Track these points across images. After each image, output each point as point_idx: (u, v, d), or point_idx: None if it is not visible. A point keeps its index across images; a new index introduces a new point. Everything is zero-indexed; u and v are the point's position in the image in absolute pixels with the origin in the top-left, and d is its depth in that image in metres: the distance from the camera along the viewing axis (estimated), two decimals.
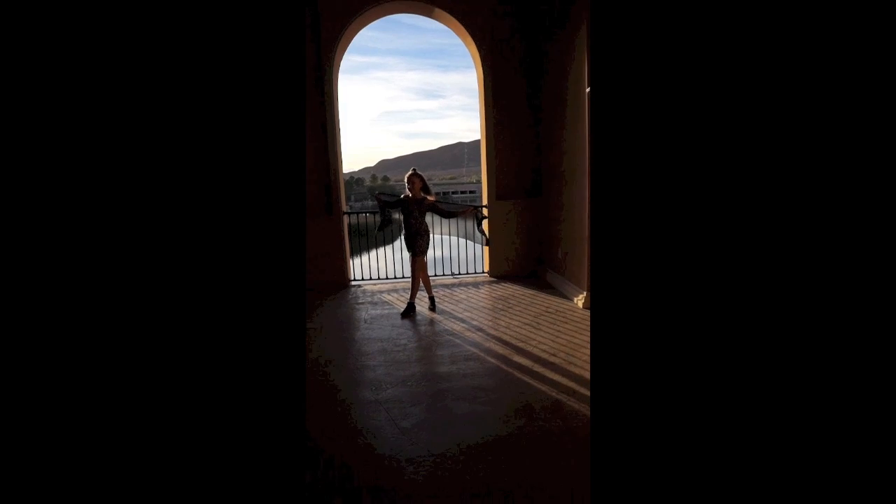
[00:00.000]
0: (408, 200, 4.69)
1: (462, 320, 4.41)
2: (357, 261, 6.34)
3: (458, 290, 5.55)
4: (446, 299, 5.15)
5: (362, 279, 6.20)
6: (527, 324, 4.22)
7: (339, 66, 5.86)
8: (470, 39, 5.71)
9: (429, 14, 5.83)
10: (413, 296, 4.75)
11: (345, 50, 5.90)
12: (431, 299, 4.89)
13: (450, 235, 6.42)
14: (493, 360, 3.44)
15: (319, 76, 5.60)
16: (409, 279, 4.84)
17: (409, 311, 4.68)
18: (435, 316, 4.59)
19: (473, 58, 5.95)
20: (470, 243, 6.48)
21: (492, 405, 2.76)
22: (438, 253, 6.47)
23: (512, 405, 2.75)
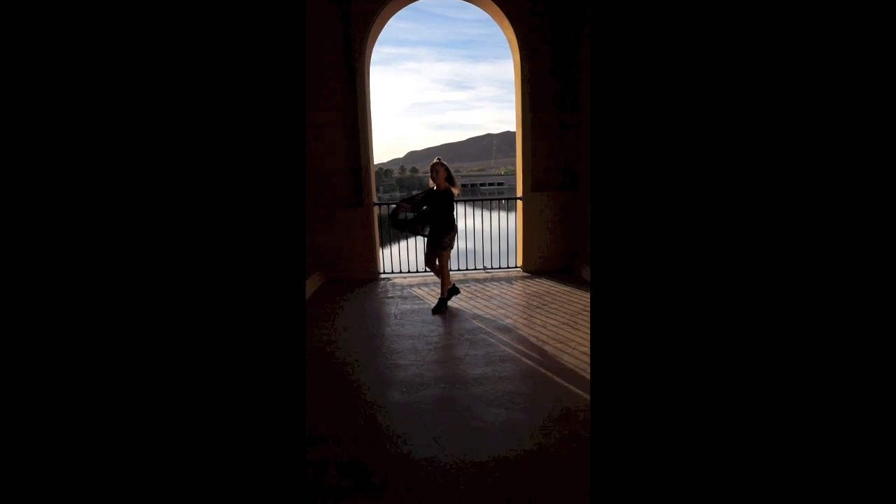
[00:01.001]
0: (433, 192, 4.46)
1: (495, 318, 4.23)
2: (387, 251, 6.21)
3: (491, 286, 5.36)
4: (478, 295, 4.97)
5: (392, 272, 6.08)
6: (564, 323, 4.00)
7: (371, 56, 5.71)
8: (507, 22, 5.46)
9: None
10: (444, 290, 4.58)
11: (375, 39, 5.74)
12: (443, 300, 4.57)
13: (482, 225, 6.21)
14: (529, 362, 3.25)
15: (350, 67, 5.47)
16: (439, 271, 4.64)
17: (441, 307, 4.53)
18: (467, 312, 4.42)
19: (510, 42, 5.70)
20: (501, 235, 6.25)
21: (529, 412, 2.58)
22: (469, 245, 6.30)
23: (551, 412, 2.57)
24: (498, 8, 5.40)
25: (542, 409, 2.61)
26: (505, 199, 6.32)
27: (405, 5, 5.67)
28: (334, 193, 5.73)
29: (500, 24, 5.68)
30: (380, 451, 2.26)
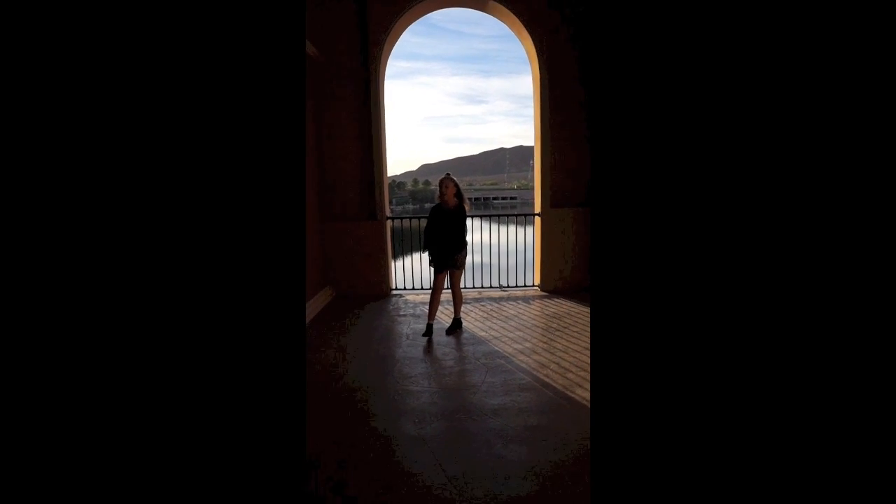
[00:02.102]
0: (443, 211, 4.18)
1: (514, 340, 3.99)
2: (398, 265, 6.00)
3: (508, 305, 5.13)
4: (494, 315, 4.74)
5: (404, 288, 5.88)
6: (586, 348, 3.75)
7: (385, 69, 5.59)
8: (526, 34, 5.30)
9: (482, 7, 5.47)
10: (458, 309, 4.36)
11: (390, 52, 5.62)
12: (457, 320, 4.37)
13: (498, 241, 5.98)
14: (550, 393, 3.01)
15: (366, 76, 5.34)
16: (451, 290, 4.38)
17: (455, 327, 4.32)
18: (483, 333, 4.19)
19: (529, 54, 5.54)
20: (518, 251, 6.01)
21: (553, 450, 2.34)
22: (485, 259, 6.08)
23: (577, 450, 2.32)
24: (515, 17, 5.25)
25: (569, 447, 2.37)
26: (523, 214, 6.10)
27: (421, 16, 5.55)
28: (346, 206, 5.57)
29: (518, 34, 5.53)
30: (391, 495, 2.03)
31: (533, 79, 5.56)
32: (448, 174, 4.34)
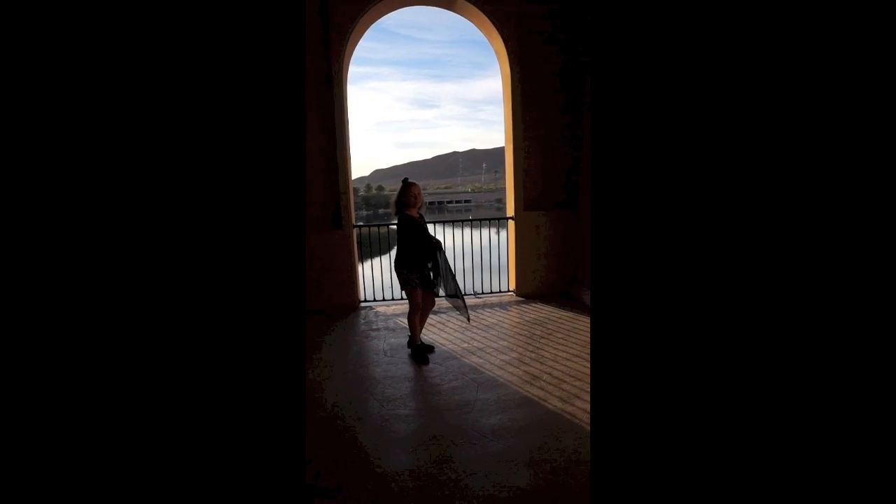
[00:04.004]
0: (415, 219, 3.63)
1: (499, 351, 3.79)
2: (363, 276, 5.67)
3: (486, 313, 4.93)
4: (474, 324, 4.53)
5: (374, 300, 5.56)
6: (576, 355, 3.61)
7: (350, 62, 5.28)
8: (495, 33, 5.15)
9: (449, 6, 5.28)
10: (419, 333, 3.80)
11: (356, 45, 5.32)
12: (418, 346, 3.75)
13: (471, 246, 5.77)
14: (549, 406, 2.82)
15: (329, 74, 5.01)
16: (425, 311, 3.82)
17: (428, 350, 3.81)
18: (465, 345, 3.96)
19: (498, 54, 5.39)
20: (489, 256, 5.82)
21: (567, 473, 2.14)
22: (457, 265, 5.86)
23: (588, 471, 2.14)
24: (484, 16, 5.09)
25: (580, 472, 2.18)
26: (496, 219, 5.93)
27: (383, 14, 5.29)
28: (310, 214, 5.20)
29: (486, 32, 5.36)
30: None
31: (503, 77, 5.41)
32: (406, 178, 3.84)
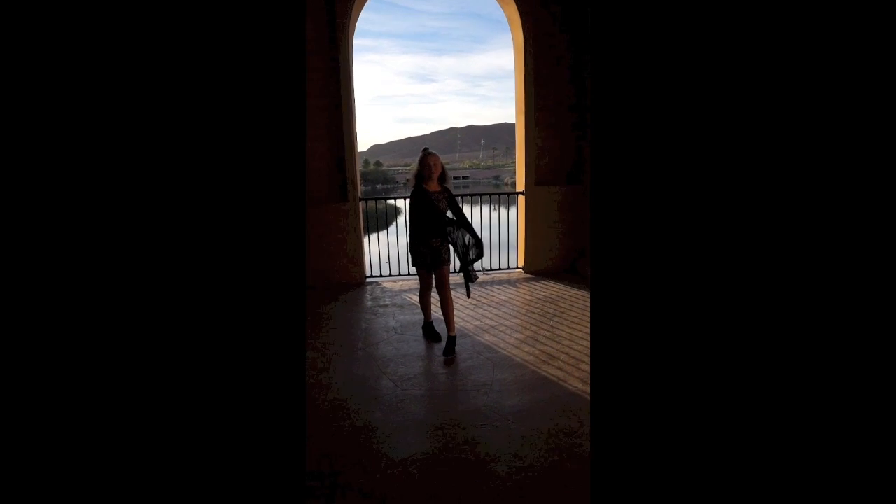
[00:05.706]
0: (428, 193, 3.33)
1: (512, 329, 3.69)
2: (373, 251, 5.53)
3: (495, 290, 4.82)
4: (484, 302, 4.43)
5: (380, 275, 5.44)
6: None
7: (355, 28, 5.03)
8: None
9: None
10: (451, 324, 3.41)
11: (361, 8, 5.06)
12: (428, 324, 3.61)
13: (480, 222, 5.61)
14: (569, 387, 2.73)
15: (333, 43, 4.76)
16: (440, 297, 3.44)
17: (452, 348, 3.36)
18: (477, 323, 3.86)
19: (511, 21, 5.14)
20: (496, 231, 5.65)
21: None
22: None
23: None
24: None
25: None
26: (506, 193, 5.77)
27: None
28: (314, 186, 5.03)
29: (500, 1, 5.11)
30: None
31: (514, 48, 5.18)
32: (428, 148, 3.52)
